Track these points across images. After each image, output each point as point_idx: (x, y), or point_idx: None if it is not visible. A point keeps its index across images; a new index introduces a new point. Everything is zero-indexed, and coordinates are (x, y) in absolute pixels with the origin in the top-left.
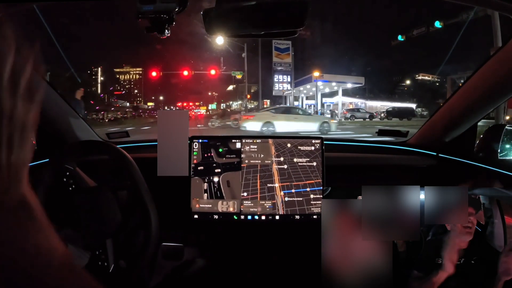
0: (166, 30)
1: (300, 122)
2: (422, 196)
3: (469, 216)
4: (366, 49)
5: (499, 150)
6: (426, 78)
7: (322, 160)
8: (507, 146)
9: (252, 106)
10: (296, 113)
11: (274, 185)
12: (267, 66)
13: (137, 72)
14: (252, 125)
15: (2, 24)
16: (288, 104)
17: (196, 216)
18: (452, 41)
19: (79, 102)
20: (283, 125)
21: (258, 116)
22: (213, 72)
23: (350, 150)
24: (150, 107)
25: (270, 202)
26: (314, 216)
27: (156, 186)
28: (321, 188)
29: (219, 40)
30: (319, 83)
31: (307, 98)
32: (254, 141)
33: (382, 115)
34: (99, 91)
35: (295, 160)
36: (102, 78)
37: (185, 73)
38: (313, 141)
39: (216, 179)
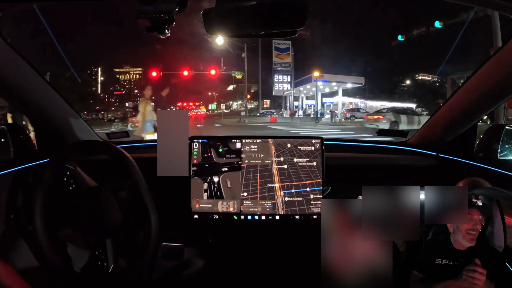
0: (166, 30)
1: (414, 122)
2: (422, 196)
3: (476, 223)
4: (366, 49)
5: (499, 150)
6: (426, 78)
7: (322, 160)
8: (507, 146)
9: (252, 106)
10: (410, 114)
11: (274, 185)
12: (267, 66)
13: (137, 72)
14: (383, 124)
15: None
16: (288, 104)
17: (196, 216)
18: (452, 41)
19: (164, 98)
20: (404, 125)
21: (387, 117)
22: (213, 72)
23: (350, 150)
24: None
25: (270, 202)
26: (314, 216)
27: (156, 186)
28: (321, 188)
29: (219, 40)
30: (319, 83)
31: (307, 98)
32: (254, 141)
33: None
34: (99, 91)
35: (295, 160)
36: (102, 78)
37: (185, 73)
38: (313, 141)
39: (216, 179)
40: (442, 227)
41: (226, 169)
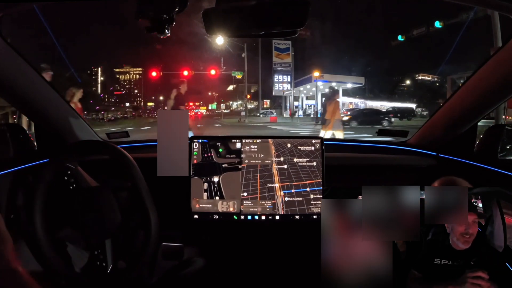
0: (166, 30)
1: None
2: (422, 196)
3: (468, 226)
4: (366, 49)
5: (499, 150)
6: (426, 78)
7: (322, 160)
8: (507, 146)
9: (252, 106)
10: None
11: (274, 185)
12: (267, 66)
13: (137, 72)
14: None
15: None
16: (288, 104)
17: (196, 216)
18: (452, 41)
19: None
20: None
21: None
22: (213, 72)
23: (350, 150)
24: (150, 107)
25: (270, 202)
26: (314, 216)
27: (156, 186)
28: (321, 188)
29: (219, 40)
30: (319, 83)
31: (307, 98)
32: (254, 141)
33: None
34: (99, 91)
35: (295, 160)
36: (102, 78)
37: (185, 73)
38: (313, 141)
39: (216, 179)
40: (441, 227)
41: (226, 169)
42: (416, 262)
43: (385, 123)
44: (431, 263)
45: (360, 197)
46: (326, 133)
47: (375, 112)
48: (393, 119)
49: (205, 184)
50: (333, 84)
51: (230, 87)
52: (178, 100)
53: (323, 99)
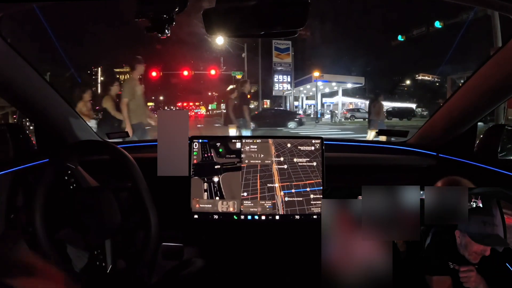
0: (166, 30)
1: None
2: (422, 196)
3: (486, 250)
4: (366, 49)
5: (499, 150)
6: (426, 78)
7: (322, 160)
8: (507, 146)
9: (252, 106)
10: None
11: (274, 185)
12: (267, 66)
13: None
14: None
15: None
16: (288, 104)
17: (196, 216)
18: (452, 41)
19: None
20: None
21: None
22: (213, 72)
23: (350, 150)
24: (150, 107)
25: (270, 202)
26: (314, 216)
27: (156, 186)
28: (321, 188)
29: (219, 40)
30: (319, 83)
31: (307, 98)
32: (254, 141)
33: None
34: (99, 91)
35: (295, 160)
36: (102, 78)
37: (185, 73)
38: (313, 141)
39: (216, 179)
40: (442, 227)
41: (226, 169)
42: (417, 262)
43: (291, 125)
44: (432, 263)
45: (360, 197)
46: (371, 134)
47: (282, 113)
48: (304, 119)
49: (205, 184)
50: (334, 84)
51: (230, 87)
52: (242, 100)
53: (368, 101)
